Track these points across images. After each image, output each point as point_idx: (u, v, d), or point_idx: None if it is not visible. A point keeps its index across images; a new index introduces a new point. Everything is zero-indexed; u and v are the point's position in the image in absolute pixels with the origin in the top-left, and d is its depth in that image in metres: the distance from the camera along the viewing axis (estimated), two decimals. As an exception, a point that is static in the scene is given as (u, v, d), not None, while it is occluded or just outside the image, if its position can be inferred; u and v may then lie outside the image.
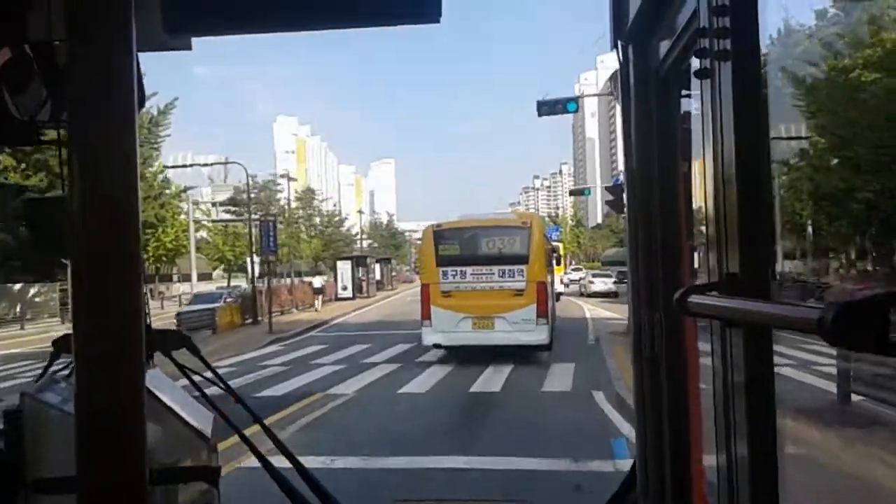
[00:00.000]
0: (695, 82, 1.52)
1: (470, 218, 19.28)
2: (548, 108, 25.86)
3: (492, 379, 15.42)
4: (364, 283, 55.60)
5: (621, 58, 2.10)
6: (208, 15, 1.42)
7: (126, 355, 0.87)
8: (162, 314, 34.57)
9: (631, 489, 2.14)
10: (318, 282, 45.67)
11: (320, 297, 44.72)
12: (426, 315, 18.01)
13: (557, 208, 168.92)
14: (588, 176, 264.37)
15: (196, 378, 1.92)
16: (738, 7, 1.29)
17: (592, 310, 36.62)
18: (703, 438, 1.86)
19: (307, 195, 71.67)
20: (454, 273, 18.12)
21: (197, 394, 1.90)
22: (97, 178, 0.86)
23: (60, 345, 1.87)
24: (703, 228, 1.51)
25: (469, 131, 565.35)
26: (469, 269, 18.01)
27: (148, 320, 1.58)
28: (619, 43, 2.10)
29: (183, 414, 1.77)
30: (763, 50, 1.31)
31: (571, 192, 57.12)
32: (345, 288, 52.48)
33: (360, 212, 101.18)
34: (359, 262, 56.25)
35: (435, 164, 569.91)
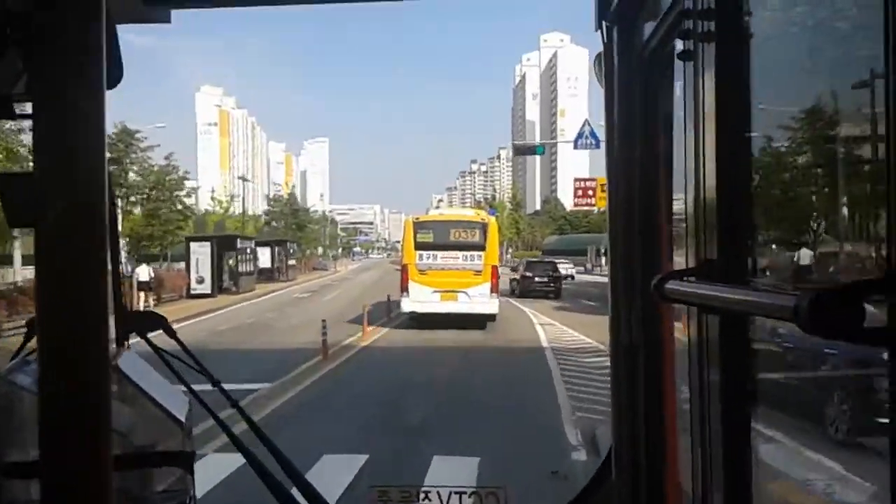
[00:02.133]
0: (678, 64, 1.55)
1: (442, 213, 28.73)
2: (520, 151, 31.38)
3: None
4: (234, 274, 39.93)
5: (605, 39, 2.09)
6: None
7: (92, 335, 0.85)
8: None
9: (607, 476, 2.16)
10: (143, 272, 30.31)
11: (148, 295, 29.58)
12: (405, 288, 23.94)
13: (495, 192, 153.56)
14: (527, 162, 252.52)
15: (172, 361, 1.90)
16: None
17: (546, 325, 26.96)
18: (678, 426, 1.86)
19: (123, 138, 40.45)
20: (428, 256, 23.95)
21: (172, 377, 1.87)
22: (65, 153, 0.84)
23: (34, 325, 1.78)
24: (683, 213, 1.52)
25: (407, 113, 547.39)
26: (440, 253, 23.84)
27: (121, 302, 1.69)
28: (603, 23, 2.09)
29: (157, 397, 1.72)
30: (747, 32, 1.31)
31: (517, 150, 44.30)
32: (201, 280, 36.89)
33: (245, 178, 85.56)
34: (223, 243, 40.82)
35: (371, 146, 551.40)
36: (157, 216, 42.77)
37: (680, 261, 1.70)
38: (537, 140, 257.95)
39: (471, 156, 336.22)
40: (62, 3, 0.84)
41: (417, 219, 25.45)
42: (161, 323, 1.91)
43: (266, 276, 52.28)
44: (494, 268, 24.08)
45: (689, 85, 1.42)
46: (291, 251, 59.86)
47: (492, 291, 23.69)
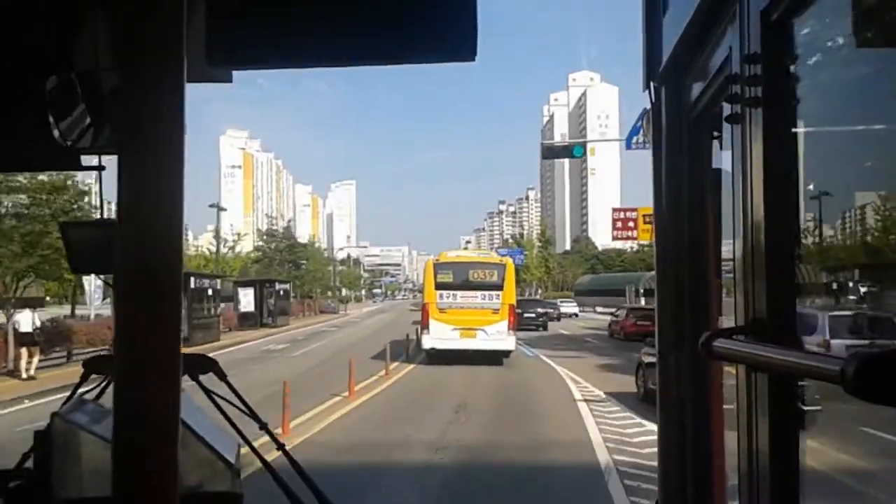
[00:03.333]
0: (726, 126, 1.57)
1: (461, 255, 27.94)
2: (552, 152, 29.40)
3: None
4: (188, 322, 30.64)
5: (653, 98, 2.16)
6: (251, 49, 1.47)
7: (164, 379, 0.90)
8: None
9: None
10: (25, 321, 21.44)
11: (31, 353, 21.91)
12: (425, 325, 24.60)
13: (523, 231, 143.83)
14: (557, 202, 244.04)
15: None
16: (770, 56, 1.33)
17: (594, 403, 16.90)
18: (726, 485, 1.86)
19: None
20: (448, 295, 24.53)
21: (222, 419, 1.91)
22: (145, 205, 0.90)
23: (91, 366, 1.92)
24: (732, 271, 1.56)
25: (435, 159, 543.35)
26: (459, 293, 24.61)
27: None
28: (651, 84, 2.16)
29: (208, 439, 1.76)
30: (794, 97, 1.37)
31: (548, 153, 32.80)
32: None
33: (220, 206, 65.71)
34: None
35: (398, 188, 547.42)
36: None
37: (728, 317, 1.70)
38: (566, 179, 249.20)
39: (499, 196, 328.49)
40: (146, 65, 0.90)
41: (438, 260, 26.02)
42: (212, 366, 1.94)
43: (250, 321, 43.03)
44: (511, 306, 24.87)
45: (736, 146, 1.46)
46: (282, 292, 50.24)
47: (509, 329, 24.44)
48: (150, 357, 0.89)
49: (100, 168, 2.04)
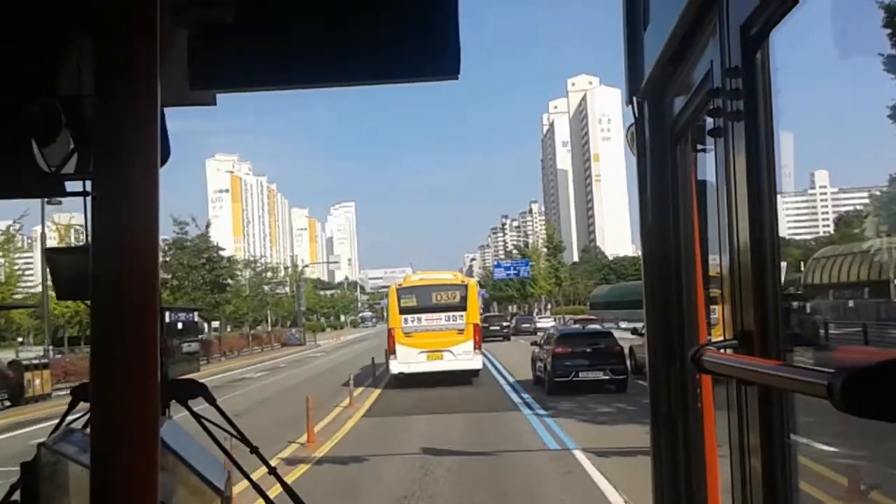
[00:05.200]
0: (709, 139, 1.59)
1: (423, 278, 27.31)
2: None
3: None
4: None
5: (636, 113, 2.16)
6: (232, 71, 1.48)
7: (142, 405, 0.88)
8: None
9: None
10: None
11: None
12: (392, 350, 24.72)
13: (528, 241, 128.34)
14: (561, 212, 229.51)
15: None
16: (750, 69, 1.34)
17: None
18: (719, 499, 1.83)
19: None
20: (413, 319, 24.67)
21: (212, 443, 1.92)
22: (120, 230, 0.89)
23: (79, 394, 1.87)
24: (719, 284, 1.55)
25: (435, 178, 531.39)
26: (423, 316, 24.69)
27: (164, 370, 1.67)
28: (634, 99, 2.17)
29: (197, 466, 1.76)
30: (775, 110, 1.37)
31: None
32: None
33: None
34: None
35: (400, 209, 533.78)
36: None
37: (717, 330, 1.68)
38: (571, 189, 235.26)
39: (502, 212, 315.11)
40: (120, 89, 0.89)
41: (400, 285, 26.52)
42: (202, 391, 1.92)
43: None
44: (476, 325, 25.12)
45: (720, 159, 1.47)
46: (188, 324, 34.96)
47: (475, 348, 24.57)
48: (127, 383, 0.87)
49: (84, 194, 1.92)
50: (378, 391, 24.56)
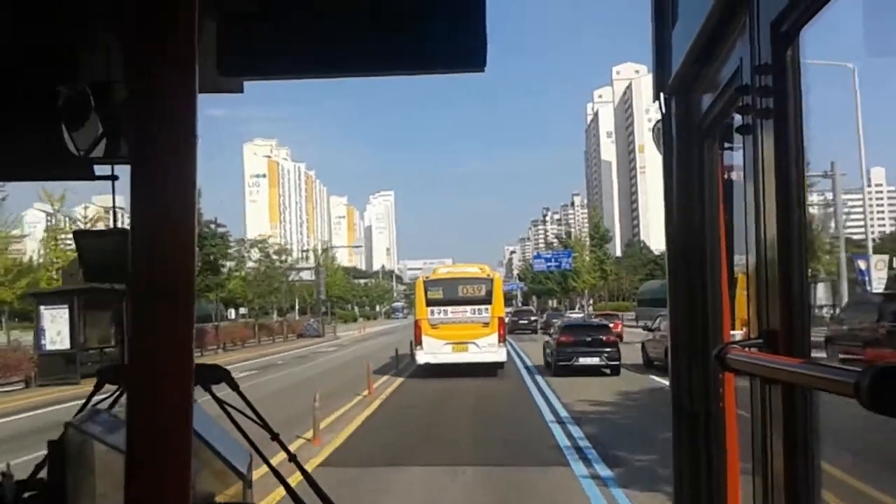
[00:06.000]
0: (737, 137, 1.57)
1: (450, 271, 28.13)
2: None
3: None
4: None
5: (664, 110, 2.18)
6: (261, 59, 1.49)
7: (178, 389, 0.91)
8: None
9: None
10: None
11: None
12: (419, 341, 25.42)
13: (570, 230, 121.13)
14: (605, 205, 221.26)
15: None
16: (780, 67, 1.34)
17: None
18: (741, 498, 1.83)
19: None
20: (439, 311, 25.22)
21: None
22: (157, 214, 0.91)
23: (104, 375, 1.94)
24: (745, 282, 1.56)
25: (475, 168, 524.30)
26: (450, 308, 25.20)
27: None
28: (661, 95, 2.18)
29: (220, 449, 1.79)
30: (805, 108, 1.37)
31: None
32: None
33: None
34: None
35: (440, 199, 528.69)
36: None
37: (741, 328, 1.70)
38: (615, 179, 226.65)
39: (544, 204, 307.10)
40: (159, 75, 0.91)
41: (427, 277, 26.85)
42: (224, 376, 1.94)
43: (60, 373, 22.95)
44: (501, 319, 25.57)
45: (748, 156, 1.47)
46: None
47: (500, 341, 25.10)
48: (163, 367, 0.90)
49: (113, 178, 2.05)
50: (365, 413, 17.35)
